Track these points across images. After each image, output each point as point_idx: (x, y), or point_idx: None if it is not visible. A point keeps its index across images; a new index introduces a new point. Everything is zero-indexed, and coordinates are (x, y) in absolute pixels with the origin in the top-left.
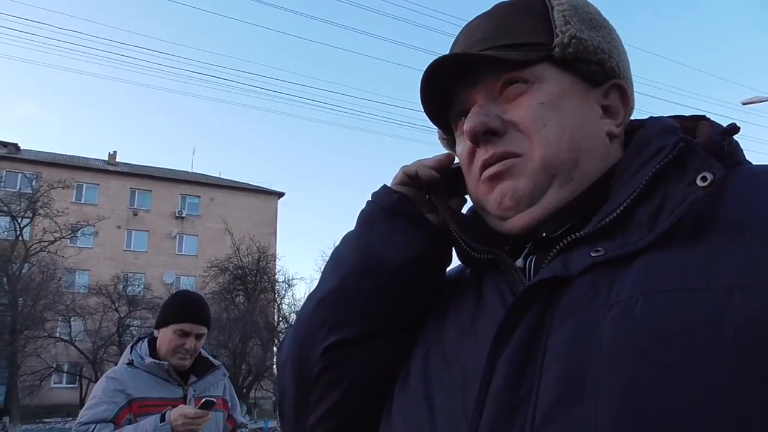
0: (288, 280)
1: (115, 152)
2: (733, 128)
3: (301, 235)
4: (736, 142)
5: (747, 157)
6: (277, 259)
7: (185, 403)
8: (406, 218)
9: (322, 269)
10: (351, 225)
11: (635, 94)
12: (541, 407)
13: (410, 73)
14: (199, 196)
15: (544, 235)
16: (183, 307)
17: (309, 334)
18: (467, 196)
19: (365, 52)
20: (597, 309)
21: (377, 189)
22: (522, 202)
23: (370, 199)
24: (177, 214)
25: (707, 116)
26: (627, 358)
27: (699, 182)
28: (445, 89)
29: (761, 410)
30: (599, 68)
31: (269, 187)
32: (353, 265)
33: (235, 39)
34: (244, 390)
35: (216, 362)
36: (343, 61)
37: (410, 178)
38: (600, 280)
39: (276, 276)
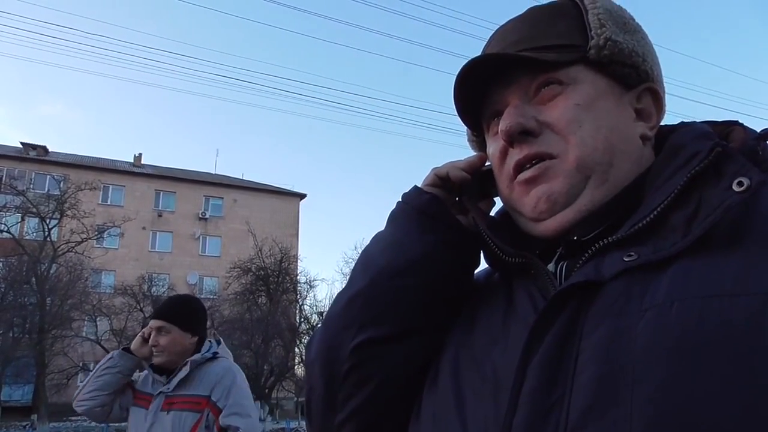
0: (310, 281)
1: (140, 154)
2: (766, 134)
3: (323, 237)
4: None
5: None
6: (299, 261)
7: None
8: (437, 219)
9: (350, 269)
10: (373, 227)
11: (669, 97)
12: (574, 411)
13: (431, 74)
14: (222, 198)
15: (575, 238)
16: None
17: (339, 332)
18: (496, 199)
19: (389, 54)
20: (630, 313)
21: (408, 190)
22: (557, 205)
23: (400, 199)
24: (200, 216)
25: (740, 121)
26: (662, 363)
27: (735, 187)
28: (478, 90)
29: None
30: (633, 71)
31: (291, 189)
32: (383, 265)
33: (258, 42)
34: (267, 390)
35: (213, 361)
36: (366, 63)
37: (441, 180)
38: (633, 284)
39: (298, 277)
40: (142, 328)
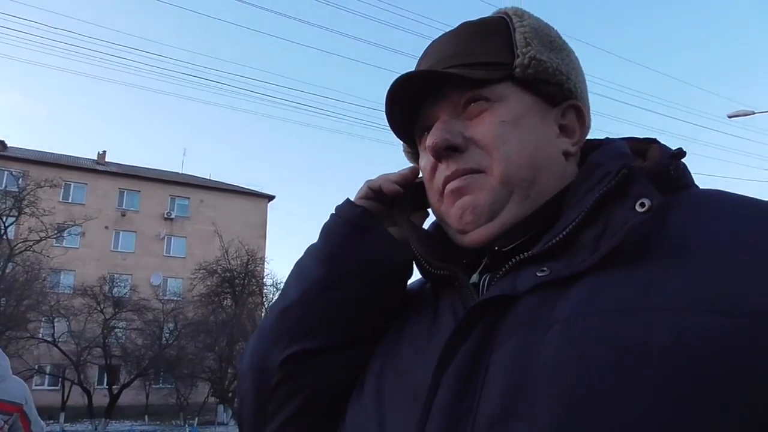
0: (276, 283)
1: (104, 152)
2: (680, 153)
3: (291, 239)
4: (684, 165)
5: (695, 181)
6: (266, 263)
7: None
8: (368, 232)
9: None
10: None
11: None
12: (480, 422)
13: None
14: (189, 198)
15: (497, 248)
16: None
17: (270, 344)
18: (430, 210)
19: (360, 58)
20: (539, 327)
21: (341, 203)
22: (482, 217)
23: (333, 212)
24: (166, 216)
25: (658, 139)
26: (564, 376)
27: (638, 208)
28: (410, 104)
29: (689, 427)
30: (557, 89)
31: (260, 190)
32: (316, 277)
33: (227, 42)
34: (230, 394)
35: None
36: (337, 66)
37: (374, 192)
38: (544, 299)
39: (264, 279)
40: (102, 329)
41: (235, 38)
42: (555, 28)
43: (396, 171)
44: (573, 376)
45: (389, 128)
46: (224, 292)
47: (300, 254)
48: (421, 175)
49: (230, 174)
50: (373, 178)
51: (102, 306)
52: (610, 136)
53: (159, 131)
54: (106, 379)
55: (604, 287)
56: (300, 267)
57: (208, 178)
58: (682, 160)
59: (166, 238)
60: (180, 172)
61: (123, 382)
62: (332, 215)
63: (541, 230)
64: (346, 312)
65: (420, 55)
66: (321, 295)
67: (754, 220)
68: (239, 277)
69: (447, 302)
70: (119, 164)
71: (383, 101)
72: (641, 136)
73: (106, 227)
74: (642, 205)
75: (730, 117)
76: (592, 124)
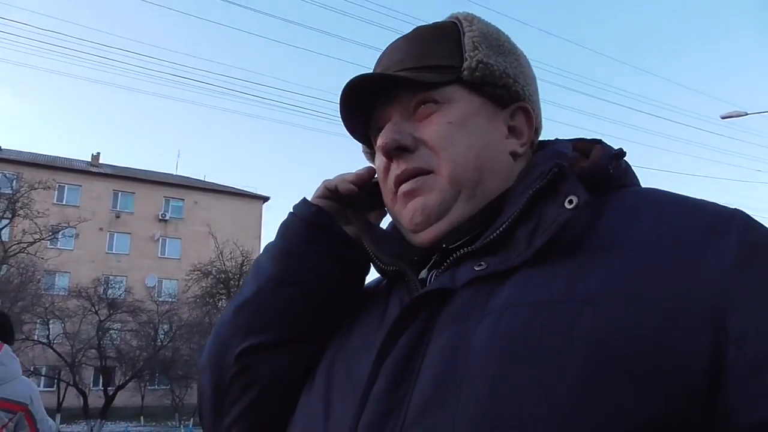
0: None
1: (98, 154)
2: (620, 153)
3: None
4: (626, 165)
5: (639, 179)
6: None
7: None
8: (323, 230)
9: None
10: None
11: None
12: (412, 409)
13: None
14: (183, 199)
15: (444, 246)
16: None
17: (227, 338)
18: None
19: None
20: (473, 319)
21: (298, 202)
22: (431, 217)
23: (291, 210)
24: (160, 217)
25: (603, 140)
26: (489, 365)
27: (567, 205)
28: (364, 106)
29: (605, 416)
30: (505, 91)
31: (254, 191)
32: (270, 274)
33: (221, 44)
34: None
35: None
36: (331, 67)
37: (330, 192)
38: (480, 292)
39: None
40: (97, 331)
41: (229, 40)
42: (505, 33)
43: (353, 171)
44: (497, 366)
45: (345, 130)
46: (219, 293)
47: None
48: (377, 175)
49: (225, 175)
50: (331, 178)
51: (97, 307)
52: (559, 137)
53: (153, 133)
54: (101, 381)
55: (535, 280)
56: (257, 264)
57: (202, 179)
58: (624, 158)
59: (160, 239)
60: (174, 173)
61: (118, 383)
62: (289, 214)
63: (485, 228)
64: (300, 307)
65: (377, 58)
66: (275, 291)
67: (675, 217)
68: (234, 278)
69: (396, 297)
70: (113, 166)
71: None
72: (589, 138)
73: (101, 229)
74: (570, 201)
75: (723, 118)
76: (589, 125)
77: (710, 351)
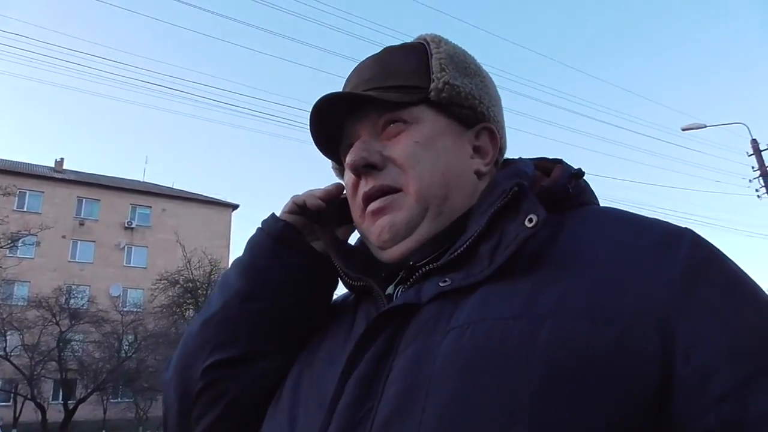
0: None
1: (62, 159)
2: (579, 173)
3: None
4: (585, 184)
5: (597, 198)
6: None
7: None
8: (290, 245)
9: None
10: None
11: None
12: (377, 423)
13: None
14: (151, 207)
15: (411, 263)
16: None
17: (192, 353)
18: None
19: (326, 68)
20: (437, 333)
21: (266, 217)
22: (399, 235)
23: (259, 226)
24: (126, 225)
25: (563, 160)
26: (452, 378)
27: (527, 223)
28: (335, 123)
29: (560, 424)
30: (471, 112)
31: (224, 199)
32: (237, 288)
33: (191, 51)
34: None
35: None
36: (303, 76)
37: (299, 207)
38: (444, 307)
39: None
40: (58, 342)
41: (199, 47)
42: (471, 55)
43: (321, 187)
44: (460, 379)
45: (315, 146)
46: (186, 302)
47: None
48: (345, 191)
49: (193, 183)
50: (300, 193)
51: (58, 318)
52: (522, 157)
53: (120, 139)
54: (61, 394)
55: (496, 296)
56: (224, 278)
57: (170, 186)
58: (584, 178)
59: (126, 247)
60: (141, 180)
61: (79, 396)
62: (257, 229)
63: (450, 245)
64: (267, 322)
65: (347, 76)
66: (241, 305)
67: (629, 236)
68: (202, 288)
69: (363, 312)
70: (78, 172)
71: None
72: (550, 157)
73: (64, 237)
74: (530, 220)
75: (683, 130)
76: (554, 135)
77: (660, 363)
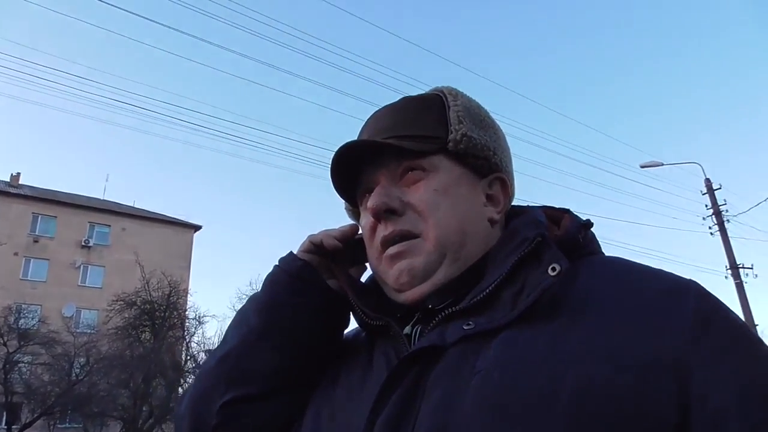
0: (199, 317)
1: (18, 174)
2: (588, 223)
3: (217, 271)
4: (593, 234)
5: (600, 247)
6: (189, 295)
7: None
8: (309, 284)
9: (234, 312)
10: (269, 264)
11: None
12: None
13: (340, 117)
14: (110, 225)
15: (430, 306)
16: None
17: (209, 389)
18: (367, 265)
19: (290, 90)
20: (463, 376)
21: (284, 255)
22: (417, 278)
23: (276, 263)
24: (84, 243)
25: (570, 209)
26: (481, 420)
27: (550, 272)
28: (353, 168)
29: None
30: (485, 162)
31: (186, 220)
32: (255, 325)
33: (156, 69)
34: None
35: None
36: (265, 95)
37: (315, 246)
38: (469, 350)
39: (187, 312)
40: (5, 363)
41: (163, 65)
42: (485, 108)
43: (337, 227)
44: (489, 420)
45: (335, 191)
46: (143, 324)
47: (224, 287)
48: (360, 231)
49: (155, 202)
50: (315, 233)
51: (6, 338)
52: (530, 204)
53: (80, 155)
54: (5, 419)
55: (520, 340)
56: (241, 315)
57: (131, 205)
58: (591, 229)
59: (82, 266)
60: (101, 198)
61: (25, 421)
62: (275, 267)
63: (467, 289)
64: (283, 359)
65: (362, 124)
66: (259, 342)
67: (639, 285)
68: (160, 310)
69: (381, 351)
70: (34, 187)
71: (316, 135)
72: (557, 206)
73: (16, 254)
74: (553, 269)
75: (642, 167)
76: (522, 171)
77: (676, 407)
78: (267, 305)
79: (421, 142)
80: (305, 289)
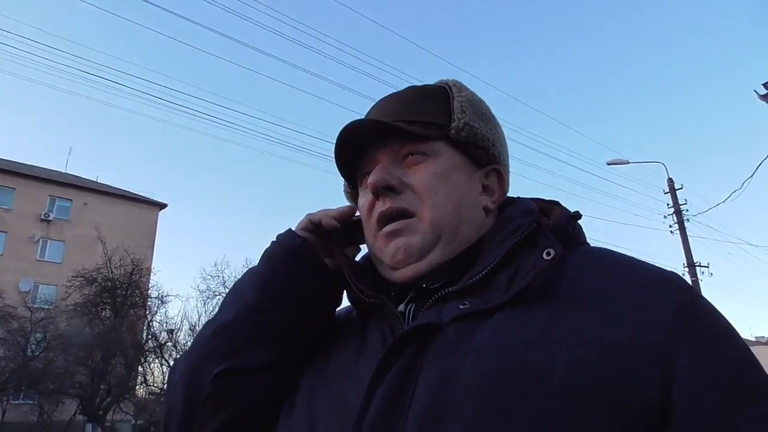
0: (162, 296)
1: None
2: (577, 215)
3: (182, 251)
4: (580, 226)
5: (585, 238)
6: (152, 274)
7: None
8: (306, 261)
9: (208, 287)
10: (234, 246)
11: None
12: None
13: (313, 101)
14: (71, 200)
15: (424, 286)
16: None
17: (204, 358)
18: (362, 246)
19: (263, 70)
20: (459, 353)
21: (282, 232)
22: (412, 257)
23: (274, 240)
24: (43, 217)
25: (560, 202)
26: (477, 396)
27: (545, 256)
28: (356, 148)
29: None
30: (484, 153)
31: (151, 197)
32: (251, 300)
33: (126, 41)
34: (101, 412)
35: None
36: (237, 74)
37: (314, 225)
38: (464, 329)
39: (149, 291)
40: None
41: (136, 39)
42: (486, 103)
43: (335, 207)
44: (485, 396)
45: (336, 169)
46: (103, 302)
47: (189, 267)
48: (357, 213)
49: (120, 178)
50: (314, 211)
51: None
52: (521, 196)
53: (42, 126)
54: None
55: (513, 321)
56: (237, 288)
57: (94, 180)
58: (579, 221)
59: (41, 240)
60: (63, 171)
61: None
62: (273, 243)
63: (461, 272)
64: (277, 333)
65: (370, 108)
66: (255, 316)
67: (626, 275)
68: (121, 287)
69: (375, 328)
70: None
71: (290, 117)
72: (546, 198)
73: None
74: (548, 254)
75: (608, 164)
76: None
77: (660, 391)
78: (264, 280)
79: (424, 127)
80: (302, 267)
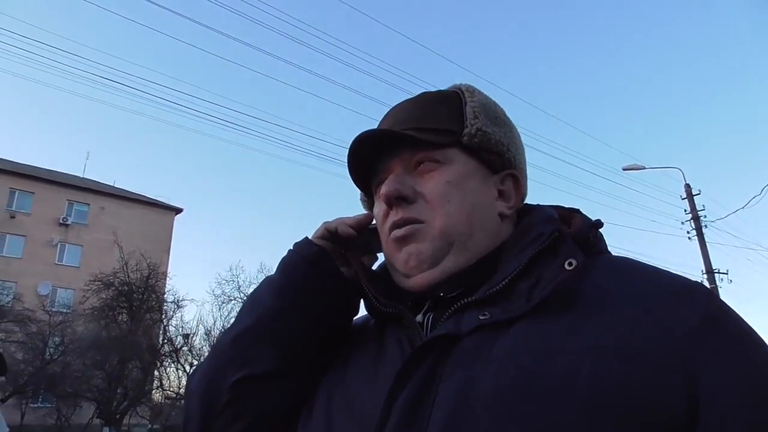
0: (178, 300)
1: None
2: (598, 223)
3: (197, 256)
4: (601, 234)
5: (607, 246)
6: (168, 278)
7: None
8: (323, 270)
9: (223, 292)
10: (250, 251)
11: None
12: None
13: (328, 106)
14: (89, 204)
15: (441, 294)
16: None
17: (222, 366)
18: (379, 254)
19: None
20: (480, 363)
21: (299, 240)
22: (424, 264)
23: (291, 248)
24: (61, 221)
25: (580, 210)
26: (499, 404)
27: (566, 266)
28: (369, 157)
29: None
30: (498, 158)
31: (167, 202)
32: (269, 307)
33: (144, 47)
34: (117, 416)
35: None
36: (264, 85)
37: (330, 234)
38: (484, 339)
39: (165, 295)
40: None
41: (151, 44)
42: (501, 107)
43: (351, 216)
44: (507, 405)
45: (350, 179)
46: (120, 306)
47: (204, 272)
48: (374, 221)
49: (136, 183)
50: (330, 220)
51: None
52: (541, 203)
53: (61, 131)
54: None
55: (534, 331)
56: (255, 296)
57: (111, 184)
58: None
59: (59, 245)
60: (81, 176)
61: None
62: (290, 251)
63: (478, 281)
64: (295, 342)
65: (383, 116)
66: (272, 324)
67: (649, 284)
68: (138, 292)
69: (393, 337)
70: (11, 161)
71: (308, 124)
72: (566, 206)
73: None
74: (570, 264)
75: (624, 170)
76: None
77: (687, 401)
78: (282, 288)
79: (437, 135)
80: (319, 275)
